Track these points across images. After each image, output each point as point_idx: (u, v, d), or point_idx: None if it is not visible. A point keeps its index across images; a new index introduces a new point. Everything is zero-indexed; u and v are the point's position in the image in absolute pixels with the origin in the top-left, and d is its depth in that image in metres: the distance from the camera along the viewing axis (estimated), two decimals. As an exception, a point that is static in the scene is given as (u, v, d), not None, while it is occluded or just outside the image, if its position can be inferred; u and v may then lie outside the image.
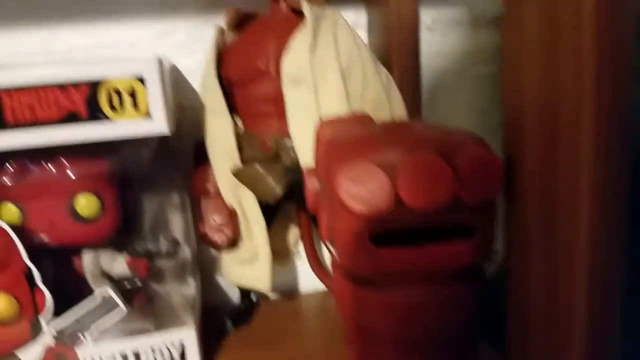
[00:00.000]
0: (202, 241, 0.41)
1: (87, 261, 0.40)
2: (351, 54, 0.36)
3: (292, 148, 0.37)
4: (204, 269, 0.48)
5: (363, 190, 0.25)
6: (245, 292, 0.46)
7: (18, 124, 0.31)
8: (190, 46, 0.46)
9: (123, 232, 0.40)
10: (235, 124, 0.40)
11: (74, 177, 0.35)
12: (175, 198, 0.43)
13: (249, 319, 0.46)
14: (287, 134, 0.37)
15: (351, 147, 0.28)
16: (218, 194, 0.40)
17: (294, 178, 0.37)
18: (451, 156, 0.26)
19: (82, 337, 0.35)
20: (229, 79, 0.39)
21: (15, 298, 0.34)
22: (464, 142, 0.27)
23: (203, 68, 0.40)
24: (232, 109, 0.40)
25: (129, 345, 0.36)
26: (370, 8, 0.48)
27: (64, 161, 0.35)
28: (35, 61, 0.44)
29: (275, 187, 0.37)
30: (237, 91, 0.39)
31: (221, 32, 0.40)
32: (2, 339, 0.34)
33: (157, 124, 0.33)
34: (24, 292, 0.34)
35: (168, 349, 0.37)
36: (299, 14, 0.38)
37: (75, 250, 0.39)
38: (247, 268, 0.41)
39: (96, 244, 0.38)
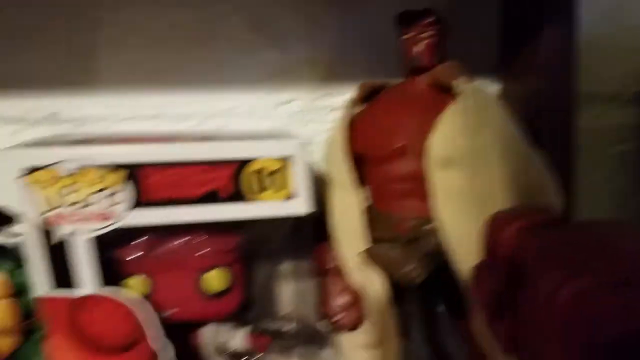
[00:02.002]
0: (324, 322, 0.39)
1: (208, 336, 0.38)
2: (506, 135, 0.33)
3: (435, 233, 0.33)
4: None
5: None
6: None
7: (157, 201, 0.31)
8: (304, 117, 0.45)
9: (246, 308, 0.39)
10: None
11: (205, 253, 0.34)
12: (293, 274, 0.42)
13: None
14: (428, 217, 0.34)
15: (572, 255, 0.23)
16: (342, 273, 0.37)
17: (435, 264, 0.34)
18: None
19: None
20: (359, 154, 0.37)
21: (139, 381, 0.33)
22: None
23: (324, 140, 0.39)
24: (360, 183, 0.38)
25: None
26: (507, 79, 0.44)
27: (197, 236, 0.34)
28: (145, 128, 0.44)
29: (415, 272, 0.34)
30: (368, 167, 0.36)
31: (352, 103, 0.38)
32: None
33: (299, 204, 0.31)
34: (151, 372, 0.33)
35: None
36: (440, 88, 0.35)
37: (195, 325, 0.38)
38: (373, 352, 0.38)
39: (221, 320, 0.37)
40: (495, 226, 0.28)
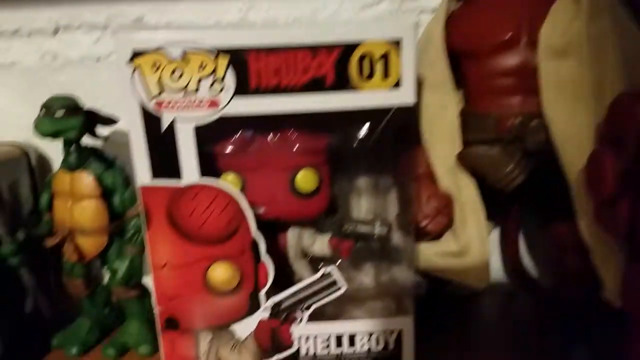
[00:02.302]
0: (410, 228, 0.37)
1: (292, 238, 0.38)
2: (622, 21, 0.31)
3: (542, 129, 0.32)
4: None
5: None
6: (435, 285, 0.43)
7: (261, 89, 0.30)
8: (391, 19, 0.43)
9: (330, 212, 0.39)
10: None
11: (298, 151, 0.34)
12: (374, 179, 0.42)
13: (434, 311, 0.42)
14: (534, 113, 0.32)
15: None
16: (431, 178, 0.37)
17: (536, 165, 0.34)
18: None
19: (298, 314, 0.35)
20: (457, 51, 0.35)
21: (239, 269, 0.33)
22: None
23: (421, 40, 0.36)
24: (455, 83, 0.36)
25: (346, 327, 0.35)
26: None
27: (288, 135, 0.34)
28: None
29: (515, 173, 0.33)
30: (466, 64, 0.35)
31: (451, -2, 0.37)
32: (220, 310, 0.34)
33: (406, 94, 0.30)
34: (248, 263, 0.33)
35: (384, 336, 0.35)
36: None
37: (282, 226, 0.38)
38: (454, 261, 0.38)
39: (308, 220, 0.37)
40: (624, 105, 0.27)
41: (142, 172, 0.31)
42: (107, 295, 0.42)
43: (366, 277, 0.44)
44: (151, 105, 0.29)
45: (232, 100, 0.29)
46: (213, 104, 0.30)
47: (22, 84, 0.44)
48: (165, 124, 0.30)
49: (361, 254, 0.44)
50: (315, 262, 0.40)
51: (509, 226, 0.41)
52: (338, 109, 0.30)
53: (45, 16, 0.42)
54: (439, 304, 0.44)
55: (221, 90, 0.29)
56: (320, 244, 0.39)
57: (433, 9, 0.39)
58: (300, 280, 0.35)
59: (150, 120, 0.30)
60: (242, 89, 0.29)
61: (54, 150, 0.44)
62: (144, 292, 0.41)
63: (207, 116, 0.30)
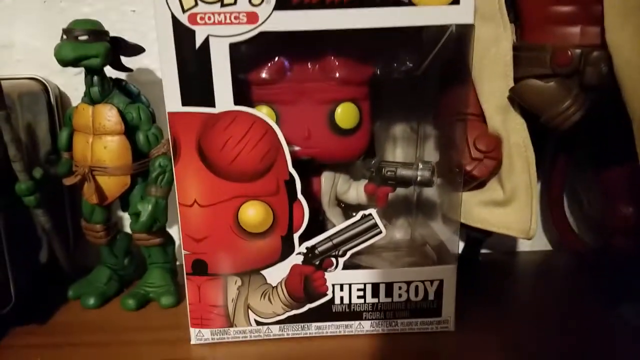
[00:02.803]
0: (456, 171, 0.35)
1: (325, 183, 0.36)
2: None
3: (604, 62, 0.29)
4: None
5: None
6: (474, 239, 0.40)
7: (305, 2, 0.27)
8: None
9: (369, 154, 0.36)
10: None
11: (339, 82, 0.31)
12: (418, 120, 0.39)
13: (471, 268, 0.40)
14: (595, 44, 0.30)
15: None
16: (479, 118, 0.34)
17: (595, 101, 0.31)
18: None
19: (334, 260, 0.32)
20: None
21: (272, 209, 0.31)
22: None
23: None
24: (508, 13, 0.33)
25: (383, 275, 0.32)
26: None
27: (330, 62, 0.31)
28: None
29: (572, 110, 0.31)
30: (522, -8, 0.33)
31: None
32: (251, 254, 0.31)
33: (465, 11, 0.27)
34: (282, 203, 0.31)
35: (424, 285, 0.33)
36: None
37: (314, 169, 0.35)
38: (498, 210, 0.35)
39: (347, 160, 0.34)
40: None
41: (172, 97, 0.28)
42: (128, 243, 0.40)
43: (400, 230, 0.42)
44: (185, 18, 0.27)
45: (272, 14, 0.27)
46: (252, 18, 0.27)
47: (43, 15, 0.41)
48: (199, 40, 0.27)
49: (396, 206, 0.42)
50: (349, 212, 0.39)
51: (555, 177, 0.38)
52: (386, 31, 0.27)
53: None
54: (476, 261, 0.42)
55: (261, 2, 0.27)
56: (356, 190, 0.37)
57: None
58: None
59: (183, 36, 0.27)
60: (284, 1, 0.27)
61: (74, 89, 0.42)
62: (168, 240, 0.39)
63: (245, 32, 0.27)
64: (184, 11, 0.27)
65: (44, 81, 0.40)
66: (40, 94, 0.39)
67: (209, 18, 0.27)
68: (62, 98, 0.42)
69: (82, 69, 0.34)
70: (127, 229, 0.41)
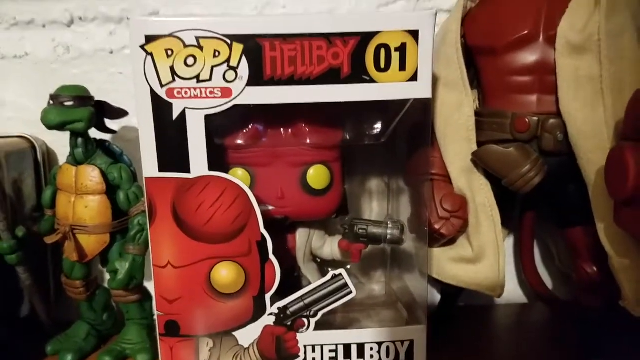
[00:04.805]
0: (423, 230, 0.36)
1: (300, 240, 0.37)
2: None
3: (559, 128, 0.31)
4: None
5: None
6: (449, 294, 0.41)
7: (275, 79, 0.29)
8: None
9: (341, 211, 0.37)
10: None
11: (310, 146, 0.33)
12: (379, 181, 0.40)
13: (447, 322, 0.41)
14: (551, 112, 0.32)
15: None
16: (445, 179, 0.36)
17: (554, 165, 0.32)
18: None
19: (305, 320, 0.33)
20: (474, 48, 0.35)
21: (244, 269, 0.32)
22: None
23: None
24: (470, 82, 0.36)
25: (355, 336, 0.33)
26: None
27: (301, 129, 0.33)
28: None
29: (532, 174, 0.32)
30: (483, 61, 0.34)
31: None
32: (223, 314, 0.32)
33: (422, 87, 0.29)
34: (254, 263, 0.32)
35: (395, 346, 0.33)
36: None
37: (289, 227, 0.37)
38: (469, 267, 0.36)
39: (320, 219, 0.36)
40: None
41: (149, 163, 0.30)
42: (107, 298, 0.41)
43: (376, 285, 0.43)
44: (163, 93, 0.29)
45: (245, 89, 0.29)
46: (226, 92, 0.29)
47: (34, 76, 0.44)
48: (176, 112, 0.29)
49: (372, 260, 0.43)
50: (325, 267, 0.40)
51: (524, 233, 0.39)
52: (353, 101, 0.29)
53: (60, 7, 0.42)
54: (451, 314, 0.42)
55: (235, 79, 0.29)
56: (330, 246, 0.38)
57: (448, 9, 0.39)
58: (309, 285, 0.34)
59: (161, 108, 0.29)
60: (256, 78, 0.29)
61: (62, 146, 0.43)
62: (145, 296, 0.39)
63: (219, 105, 0.29)
64: (162, 86, 0.29)
65: (31, 139, 0.42)
66: (28, 151, 0.41)
67: (186, 92, 0.29)
68: (49, 155, 0.44)
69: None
70: (107, 284, 0.41)
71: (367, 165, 0.39)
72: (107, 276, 0.39)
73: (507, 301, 0.46)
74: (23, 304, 0.39)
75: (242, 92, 0.29)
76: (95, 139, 0.37)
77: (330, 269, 0.34)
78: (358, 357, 0.33)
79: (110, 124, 0.38)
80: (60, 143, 0.44)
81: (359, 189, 0.41)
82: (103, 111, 0.37)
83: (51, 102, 0.35)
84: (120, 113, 0.37)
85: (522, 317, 0.45)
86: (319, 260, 0.38)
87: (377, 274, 0.42)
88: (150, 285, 0.41)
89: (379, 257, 0.42)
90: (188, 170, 0.30)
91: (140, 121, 0.29)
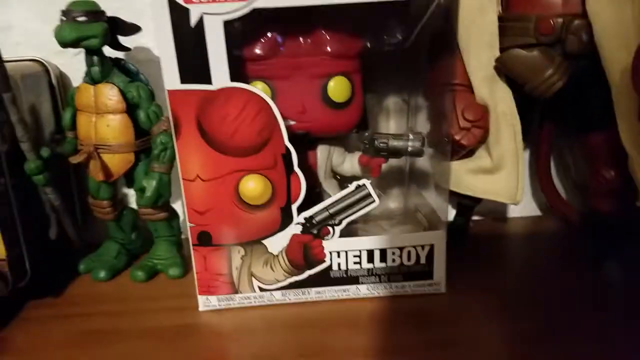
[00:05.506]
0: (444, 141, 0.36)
1: (321, 156, 0.37)
2: None
3: (584, 30, 0.31)
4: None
5: None
6: (465, 206, 0.42)
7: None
8: None
9: (362, 126, 0.37)
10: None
11: (330, 56, 0.32)
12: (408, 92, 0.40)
13: (462, 234, 0.42)
14: (576, 13, 0.31)
15: None
16: (466, 88, 0.35)
17: (577, 68, 0.32)
18: None
19: (331, 228, 0.34)
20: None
21: (271, 181, 0.33)
22: None
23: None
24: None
25: (377, 242, 0.34)
26: None
27: (321, 36, 0.32)
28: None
29: (555, 78, 0.32)
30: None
31: None
32: (252, 225, 0.33)
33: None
34: (280, 175, 0.32)
35: (416, 250, 0.34)
36: None
37: (310, 143, 0.37)
38: (486, 177, 0.37)
39: (341, 132, 0.36)
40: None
41: (171, 75, 0.29)
42: (134, 218, 0.42)
43: (394, 202, 0.44)
44: (185, -4, 0.28)
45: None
46: (247, -6, 0.28)
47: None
48: (194, 19, 0.28)
49: (390, 179, 0.44)
50: (344, 184, 0.40)
51: (542, 144, 0.39)
52: (374, 4, 0.28)
53: None
54: (467, 227, 0.43)
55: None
56: (350, 162, 0.39)
57: None
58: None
59: (179, 15, 0.28)
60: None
61: (73, 70, 0.43)
62: (173, 214, 0.40)
63: (238, 9, 0.28)
64: (183, -13, 0.28)
65: (44, 62, 0.41)
66: (42, 75, 0.40)
67: (204, -6, 0.28)
68: (62, 78, 0.43)
69: (81, 50, 0.35)
70: (133, 205, 0.43)
71: (387, 79, 0.39)
72: (133, 197, 0.40)
73: (520, 214, 0.47)
74: (52, 226, 0.41)
75: (261, -7, 0.28)
76: (110, 57, 0.37)
77: (349, 184, 0.34)
78: (381, 262, 0.34)
79: (123, 40, 0.37)
80: (72, 66, 0.43)
81: (379, 104, 0.41)
82: (116, 27, 0.36)
83: (63, 18, 0.34)
84: (133, 28, 0.36)
85: (535, 229, 0.46)
86: (338, 177, 0.39)
87: (394, 189, 0.43)
88: (175, 204, 0.43)
89: (396, 174, 0.42)
90: (209, 81, 0.30)
91: (158, 30, 0.28)
